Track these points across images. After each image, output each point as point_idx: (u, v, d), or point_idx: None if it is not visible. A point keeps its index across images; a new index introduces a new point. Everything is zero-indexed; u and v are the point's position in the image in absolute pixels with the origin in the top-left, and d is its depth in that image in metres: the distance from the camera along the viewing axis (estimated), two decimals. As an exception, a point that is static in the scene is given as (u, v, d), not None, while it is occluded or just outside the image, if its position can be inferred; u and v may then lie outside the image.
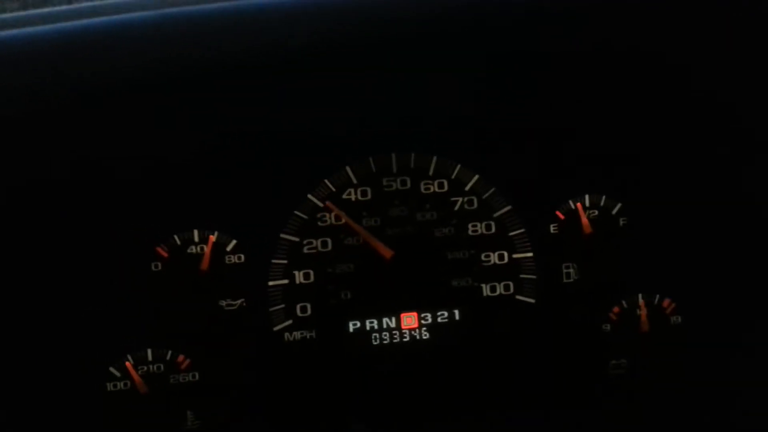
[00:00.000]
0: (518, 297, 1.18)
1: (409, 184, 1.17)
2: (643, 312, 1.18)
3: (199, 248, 1.13)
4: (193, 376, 1.12)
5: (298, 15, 0.99)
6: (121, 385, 1.11)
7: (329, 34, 0.99)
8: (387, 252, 1.14)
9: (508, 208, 1.17)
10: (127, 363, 1.10)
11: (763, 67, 1.08)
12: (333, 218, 1.15)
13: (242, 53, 0.98)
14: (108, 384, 1.10)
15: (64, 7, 1.07)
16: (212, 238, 1.12)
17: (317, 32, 0.98)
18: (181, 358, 1.12)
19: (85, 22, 0.98)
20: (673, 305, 1.19)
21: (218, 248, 1.13)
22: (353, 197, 1.16)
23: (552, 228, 1.18)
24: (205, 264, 1.11)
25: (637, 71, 1.10)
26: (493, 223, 1.18)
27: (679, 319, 1.19)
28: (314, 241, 1.15)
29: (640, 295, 1.18)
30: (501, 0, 1.00)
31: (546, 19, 1.02)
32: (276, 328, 1.14)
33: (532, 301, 1.18)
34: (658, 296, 1.19)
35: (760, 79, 1.10)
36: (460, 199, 1.17)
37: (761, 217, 1.18)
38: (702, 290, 1.19)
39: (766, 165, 1.16)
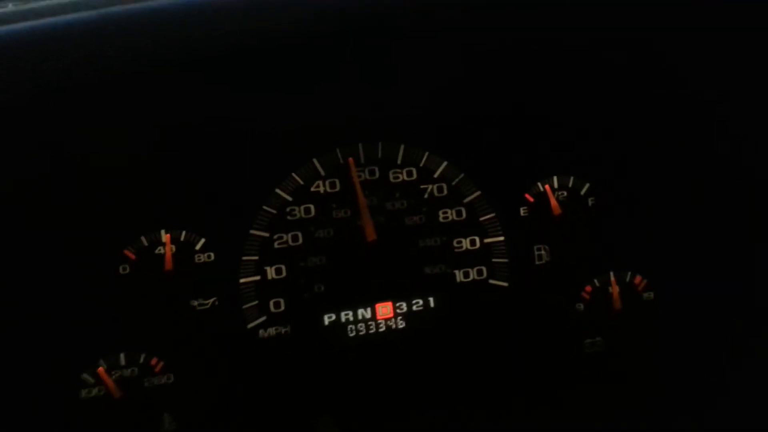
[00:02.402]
0: (491, 281, 1.18)
1: (377, 174, 1.16)
2: (615, 290, 1.19)
3: (166, 249, 1.11)
4: (168, 378, 1.11)
5: (260, 7, 0.97)
6: (95, 391, 1.09)
7: (292, 26, 0.97)
8: (372, 234, 1.13)
9: (478, 193, 1.17)
10: (99, 369, 1.09)
11: (725, 46, 1.09)
12: (302, 211, 1.14)
13: (203, 48, 0.96)
14: (82, 391, 1.09)
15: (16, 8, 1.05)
16: (168, 236, 1.10)
17: (280, 24, 0.97)
18: (154, 360, 1.10)
19: (39, 22, 0.95)
20: (645, 282, 1.20)
21: (187, 247, 1.11)
22: (322, 189, 1.15)
23: (522, 211, 1.19)
24: (168, 264, 1.10)
25: (598, 53, 1.10)
26: (463, 209, 1.18)
27: (651, 295, 1.20)
28: (284, 236, 1.14)
29: (611, 274, 1.19)
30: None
31: (509, 7, 1.01)
32: (250, 326, 1.13)
33: (505, 284, 1.18)
34: (629, 274, 1.20)
35: (722, 57, 1.10)
36: (430, 187, 1.17)
37: (729, 190, 1.19)
38: (672, 266, 1.20)
39: (733, 140, 1.18)
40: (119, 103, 1.00)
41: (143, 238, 1.10)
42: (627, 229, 1.20)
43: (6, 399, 1.06)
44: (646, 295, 1.21)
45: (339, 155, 1.15)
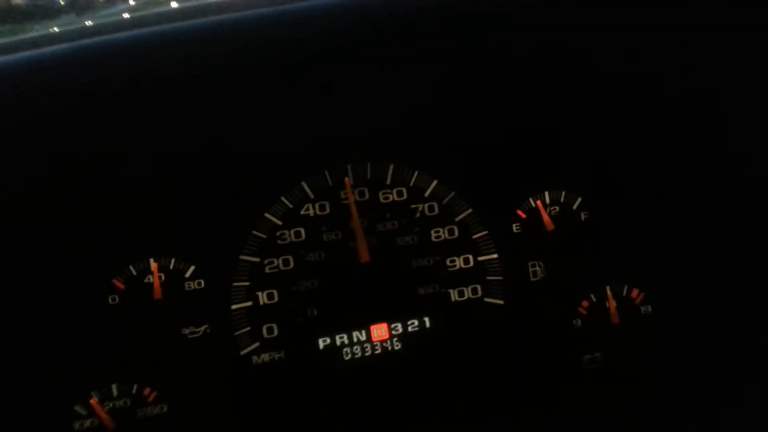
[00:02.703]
0: (487, 299, 1.17)
1: (367, 195, 1.15)
2: (612, 304, 1.18)
3: (154, 277, 1.10)
4: (162, 408, 1.10)
5: (247, 31, 0.97)
6: (87, 423, 1.08)
7: (276, 50, 0.97)
8: (365, 255, 1.12)
9: (469, 211, 1.16)
10: (92, 400, 1.08)
11: (720, 58, 1.08)
12: (293, 235, 1.13)
13: (187, 73, 0.96)
14: (75, 423, 1.07)
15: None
16: (155, 265, 1.10)
17: (264, 48, 0.97)
18: (147, 391, 1.09)
19: (34, 51, 0.96)
20: (642, 295, 1.19)
21: (177, 275, 1.10)
22: (311, 212, 1.14)
23: (515, 227, 1.17)
24: (157, 293, 1.09)
25: (589, 67, 1.09)
26: (455, 228, 1.17)
27: (650, 309, 1.19)
28: (275, 260, 1.13)
29: (607, 288, 1.18)
30: (453, 3, 0.99)
31: (496, 20, 1.01)
32: (243, 352, 1.12)
33: (500, 302, 1.17)
34: (626, 287, 1.19)
35: (717, 67, 1.10)
36: (421, 206, 1.16)
37: (724, 200, 1.18)
38: (670, 278, 1.19)
39: (727, 149, 1.17)
40: (105, 132, 1.00)
41: (131, 268, 1.09)
42: (622, 242, 1.18)
43: None
44: (643, 308, 1.19)
45: (328, 177, 1.14)
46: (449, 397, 1.16)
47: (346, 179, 1.14)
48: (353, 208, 1.13)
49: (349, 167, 1.15)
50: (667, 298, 1.19)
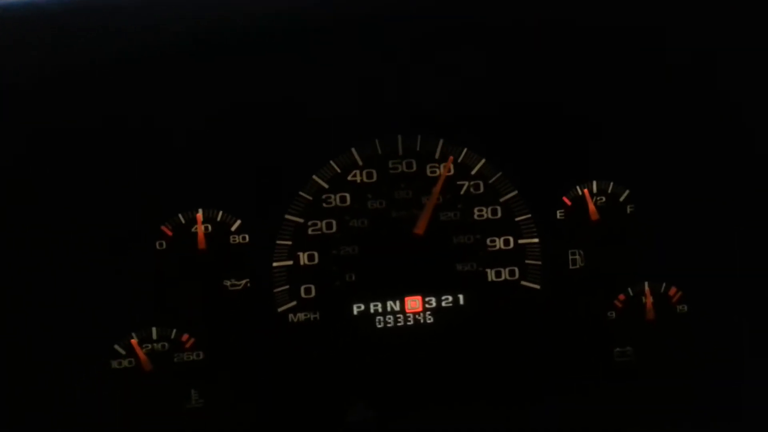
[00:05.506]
0: (523, 283, 1.17)
1: (414, 167, 1.16)
2: (648, 300, 1.17)
3: (203, 227, 1.13)
4: (198, 355, 1.13)
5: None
6: (125, 362, 1.11)
7: (336, 11, 0.97)
8: (422, 228, 1.13)
9: (515, 193, 1.17)
10: (132, 341, 1.11)
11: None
12: (338, 200, 1.15)
13: (249, 29, 0.96)
14: (113, 361, 1.11)
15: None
16: (200, 216, 1.12)
17: (325, 8, 0.97)
18: (185, 336, 1.13)
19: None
20: (680, 294, 1.18)
21: (223, 228, 1.13)
22: (358, 179, 1.15)
23: (558, 214, 1.17)
24: (201, 243, 1.12)
25: (648, 57, 1.08)
26: (499, 208, 1.17)
27: (685, 308, 1.18)
28: (319, 223, 1.15)
29: (646, 283, 1.18)
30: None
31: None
32: (280, 309, 1.14)
33: (537, 287, 1.17)
34: (664, 284, 1.18)
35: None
36: (466, 183, 1.17)
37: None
38: (709, 279, 1.18)
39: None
40: (165, 83, 1.02)
41: (180, 216, 1.12)
42: (665, 239, 1.18)
43: (39, 364, 1.09)
44: (680, 307, 1.18)
45: (378, 146, 1.15)
46: (474, 375, 1.17)
47: (451, 158, 1.15)
48: (440, 182, 1.14)
49: (399, 138, 1.16)
50: (704, 300, 1.18)
